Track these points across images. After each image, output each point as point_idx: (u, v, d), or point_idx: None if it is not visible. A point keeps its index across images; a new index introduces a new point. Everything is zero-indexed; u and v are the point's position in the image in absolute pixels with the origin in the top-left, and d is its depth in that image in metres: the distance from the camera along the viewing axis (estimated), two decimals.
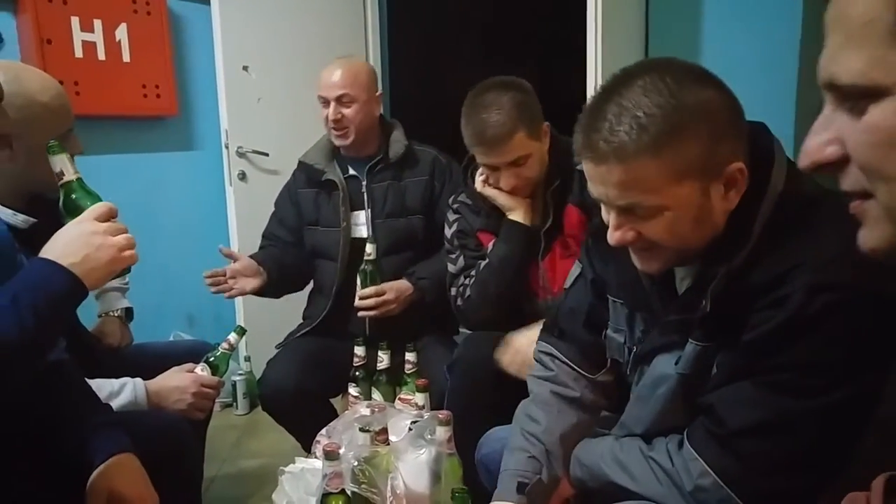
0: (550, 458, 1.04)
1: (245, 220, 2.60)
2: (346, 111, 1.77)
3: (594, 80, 2.01)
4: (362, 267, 1.75)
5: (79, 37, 2.30)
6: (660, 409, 0.94)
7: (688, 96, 0.79)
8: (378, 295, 1.74)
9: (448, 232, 1.64)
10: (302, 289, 1.96)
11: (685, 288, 0.93)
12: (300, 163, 1.89)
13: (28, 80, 1.27)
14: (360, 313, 1.75)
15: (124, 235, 1.02)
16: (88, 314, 1.64)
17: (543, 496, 1.03)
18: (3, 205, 1.28)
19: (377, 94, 1.85)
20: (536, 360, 1.16)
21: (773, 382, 0.80)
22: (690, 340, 0.88)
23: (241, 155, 2.63)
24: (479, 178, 1.55)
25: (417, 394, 1.35)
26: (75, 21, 2.29)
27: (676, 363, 0.91)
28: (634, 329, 1.01)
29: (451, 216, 1.65)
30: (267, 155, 2.67)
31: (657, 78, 0.80)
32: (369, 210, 1.83)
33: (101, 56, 2.36)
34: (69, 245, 0.96)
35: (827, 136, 0.47)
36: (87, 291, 0.97)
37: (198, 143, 2.76)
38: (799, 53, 1.98)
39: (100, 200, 1.05)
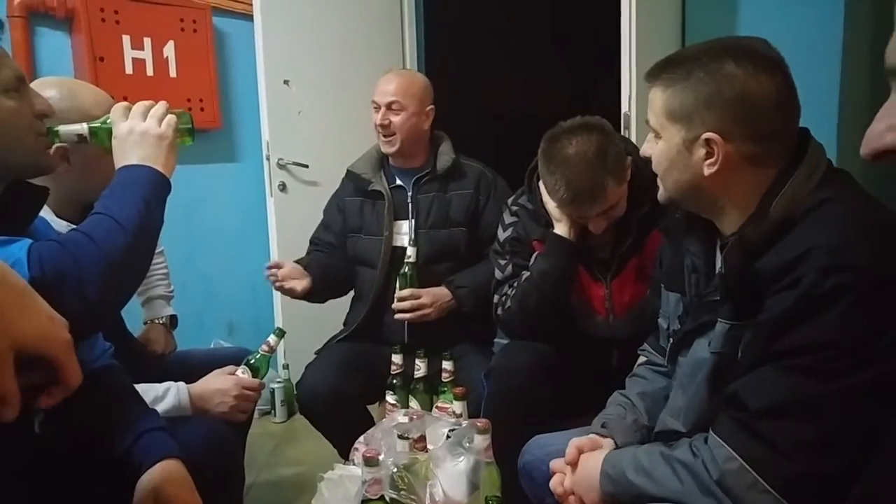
0: (635, 406, 1.15)
1: (285, 230, 2.65)
2: (395, 118, 1.81)
3: (628, 88, 1.99)
4: (402, 270, 1.78)
5: (129, 54, 2.39)
6: (701, 398, 0.95)
7: (720, 64, 0.90)
8: (415, 298, 1.75)
9: (501, 235, 1.62)
10: (345, 294, 1.99)
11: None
12: (348, 171, 1.93)
13: (82, 95, 1.32)
14: (397, 316, 1.77)
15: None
16: (135, 321, 1.69)
17: (624, 433, 1.11)
18: (58, 216, 1.34)
19: (428, 108, 1.88)
20: (642, 356, 1.29)
21: (791, 365, 0.81)
22: (719, 320, 0.92)
23: (281, 166, 2.68)
24: (542, 188, 1.51)
25: (455, 402, 1.35)
26: (126, 39, 2.38)
27: (710, 345, 0.94)
28: (677, 315, 1.07)
29: (508, 218, 1.62)
30: (307, 167, 2.71)
31: (726, 42, 0.94)
32: (413, 220, 1.85)
33: (150, 72, 2.45)
34: (132, 149, 1.07)
35: (887, 123, 0.46)
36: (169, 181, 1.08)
37: (240, 155, 2.83)
38: (842, 48, 1.93)
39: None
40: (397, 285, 1.78)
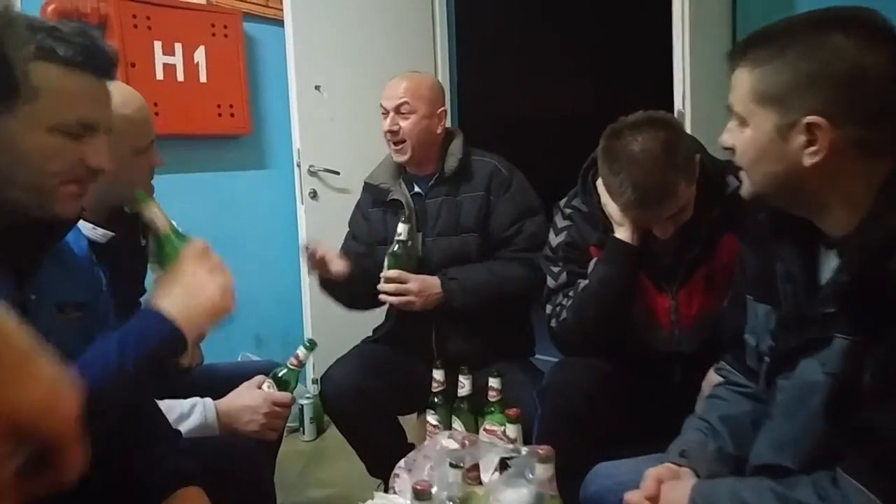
0: (718, 433, 1.01)
1: (316, 237, 2.55)
2: (404, 123, 1.69)
3: (682, 84, 1.86)
4: (391, 249, 1.64)
5: (160, 60, 2.34)
6: (815, 429, 0.81)
7: (824, 35, 0.79)
8: (402, 282, 1.62)
9: (554, 240, 1.49)
10: (370, 307, 1.86)
11: (831, 275, 0.84)
12: (366, 184, 1.83)
13: (112, 93, 1.25)
14: (381, 297, 1.65)
15: (223, 276, 1.00)
16: None
17: (705, 462, 0.98)
18: (85, 218, 1.26)
19: (440, 110, 1.76)
20: (719, 375, 1.16)
21: None
22: (836, 335, 0.80)
23: (312, 173, 2.62)
24: (601, 188, 1.38)
25: (509, 425, 1.23)
26: (158, 45, 2.33)
27: (824, 365, 0.80)
28: (768, 330, 0.94)
29: (561, 222, 1.49)
30: (338, 173, 2.64)
31: (827, 12, 0.82)
32: (422, 229, 1.74)
33: (180, 77, 2.39)
34: (175, 295, 0.95)
35: None
36: (187, 343, 0.94)
37: (270, 161, 2.76)
38: None
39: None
40: (384, 264, 1.64)
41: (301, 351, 1.39)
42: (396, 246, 1.64)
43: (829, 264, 0.86)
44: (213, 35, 2.46)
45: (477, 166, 1.76)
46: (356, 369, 1.61)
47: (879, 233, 0.76)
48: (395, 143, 1.71)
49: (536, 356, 1.85)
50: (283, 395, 1.34)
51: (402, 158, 1.72)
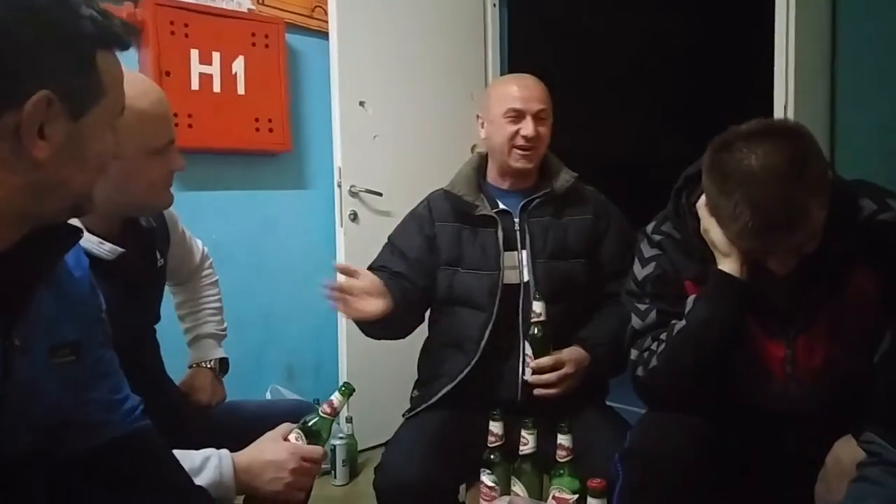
0: None
1: (355, 263, 2.33)
2: (542, 130, 1.53)
3: (783, 96, 1.63)
4: (532, 331, 1.41)
5: (196, 69, 2.22)
6: None
7: None
8: (558, 367, 1.40)
9: (640, 272, 1.26)
10: (403, 336, 1.61)
11: None
12: (446, 193, 1.58)
13: (126, 83, 1.08)
14: (537, 391, 1.40)
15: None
16: (176, 365, 1.42)
17: None
18: (91, 231, 1.08)
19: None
20: (865, 451, 0.93)
21: None
22: None
23: (353, 194, 2.46)
24: (703, 210, 1.14)
25: (592, 499, 0.98)
26: (195, 53, 2.22)
27: None
28: None
29: (648, 251, 1.26)
30: (381, 195, 2.47)
31: None
32: (527, 250, 1.51)
33: (217, 88, 2.27)
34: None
35: None
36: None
37: (309, 181, 2.61)
38: None
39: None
40: (529, 350, 1.42)
41: (336, 397, 1.18)
42: (536, 329, 1.42)
43: None
44: (254, 45, 2.34)
45: (584, 191, 1.60)
46: (424, 458, 1.34)
47: None
48: (527, 150, 1.52)
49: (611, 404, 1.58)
50: (314, 450, 1.13)
51: (529, 166, 1.54)
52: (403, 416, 1.53)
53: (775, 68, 1.67)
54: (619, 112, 4.76)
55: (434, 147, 2.58)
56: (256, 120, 2.36)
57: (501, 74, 2.91)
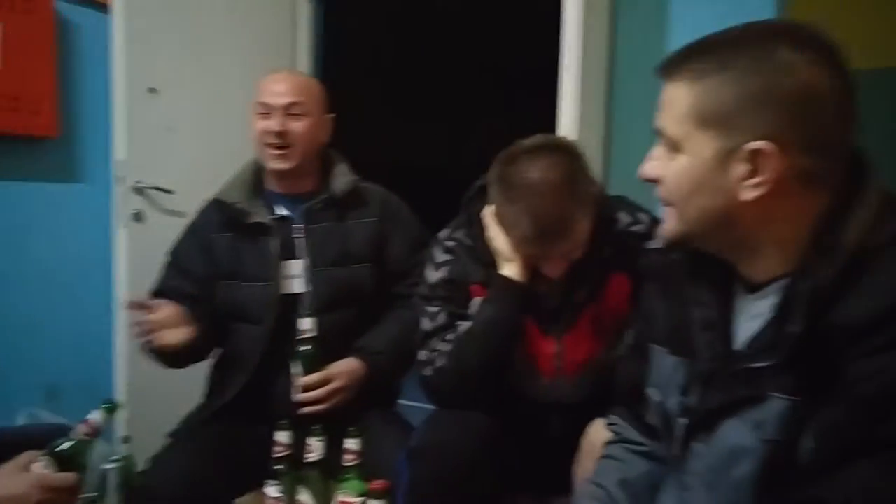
0: (615, 501, 0.93)
1: (139, 269, 2.11)
2: (295, 125, 1.43)
3: (571, 109, 1.79)
4: (301, 349, 1.37)
5: None
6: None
7: (770, 49, 0.69)
8: (326, 383, 1.37)
9: (432, 276, 1.30)
10: (206, 358, 1.53)
11: (758, 324, 0.74)
12: (217, 201, 1.50)
13: None
14: (305, 409, 1.36)
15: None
16: None
17: None
18: None
19: (329, 116, 1.54)
20: (610, 431, 1.05)
21: None
22: (773, 394, 0.70)
23: (138, 191, 2.20)
24: (489, 219, 1.22)
25: (372, 501, 0.98)
26: None
27: (757, 428, 0.70)
28: (677, 384, 0.83)
29: (440, 255, 1.31)
30: (172, 193, 2.25)
31: (773, 24, 0.77)
32: (304, 258, 1.46)
33: None
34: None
35: None
36: None
37: (82, 173, 2.29)
38: None
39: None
40: (296, 369, 1.38)
41: (96, 415, 1.06)
42: (305, 346, 1.37)
43: (750, 312, 0.77)
44: (13, 9, 2.00)
45: (366, 192, 1.55)
46: (191, 470, 1.27)
47: (822, 279, 0.66)
48: (279, 148, 1.43)
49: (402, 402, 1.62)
50: (63, 478, 1.00)
51: (285, 166, 1.44)
52: (168, 435, 1.43)
53: (559, 89, 1.83)
54: (432, 115, 4.87)
55: (235, 143, 2.40)
56: (15, 99, 2.01)
57: (314, 71, 2.85)
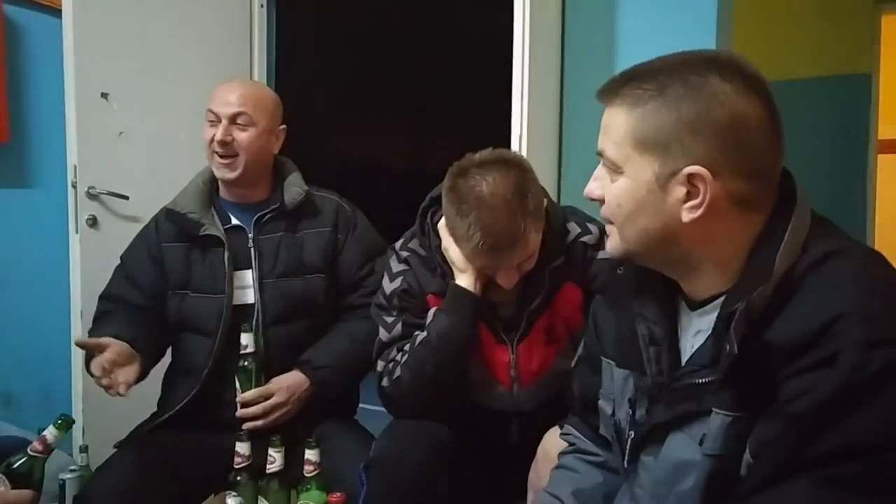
0: None
1: (93, 276, 2.08)
2: (240, 135, 1.43)
3: (519, 124, 1.83)
4: (241, 364, 1.38)
5: None
6: None
7: (702, 77, 0.72)
8: (265, 398, 1.38)
9: (388, 286, 1.32)
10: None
11: (702, 340, 0.77)
12: (168, 211, 1.49)
13: None
14: (246, 425, 1.36)
15: None
16: None
17: None
18: None
19: (280, 127, 1.53)
20: (564, 441, 1.08)
21: (836, 476, 0.61)
22: (715, 410, 0.72)
23: (92, 196, 2.16)
24: (443, 230, 1.25)
25: None
26: None
27: (701, 443, 0.72)
28: (626, 397, 0.86)
29: (396, 266, 1.32)
30: (126, 198, 2.22)
31: (703, 53, 0.77)
32: (254, 269, 1.47)
33: None
34: None
35: None
36: None
37: (35, 179, 2.26)
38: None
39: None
40: (237, 385, 1.38)
41: (50, 431, 1.06)
42: (245, 361, 1.37)
43: (694, 327, 0.80)
44: None
45: (319, 201, 1.54)
46: (134, 481, 1.27)
47: (760, 299, 0.69)
48: (225, 157, 1.43)
49: (363, 406, 1.62)
50: (19, 495, 1.01)
51: (231, 175, 1.44)
52: (115, 445, 1.43)
53: (513, 98, 1.84)
54: (390, 118, 4.78)
55: (190, 149, 2.38)
56: None
57: (269, 76, 2.84)
